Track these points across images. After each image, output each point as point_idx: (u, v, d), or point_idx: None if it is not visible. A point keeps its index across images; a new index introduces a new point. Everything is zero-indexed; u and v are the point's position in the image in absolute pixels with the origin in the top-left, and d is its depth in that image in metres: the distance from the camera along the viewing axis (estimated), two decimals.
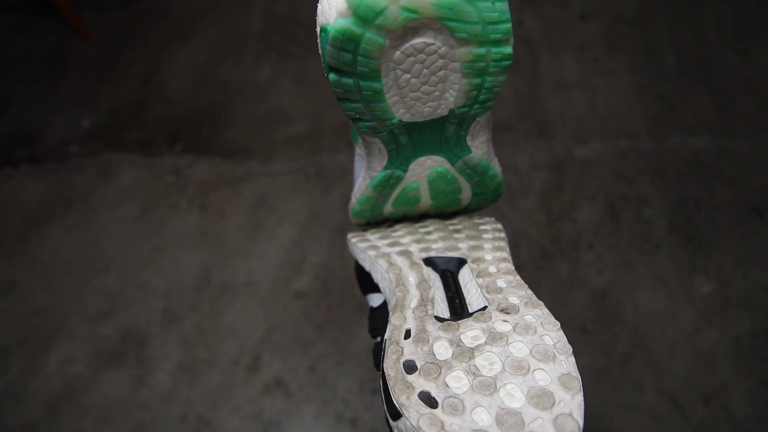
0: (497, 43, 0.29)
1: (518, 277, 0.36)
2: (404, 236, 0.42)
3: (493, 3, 0.28)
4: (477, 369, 0.28)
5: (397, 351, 0.29)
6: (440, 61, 0.30)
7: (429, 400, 0.27)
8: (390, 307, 0.35)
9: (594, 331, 0.90)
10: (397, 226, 0.45)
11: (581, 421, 0.25)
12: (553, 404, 0.25)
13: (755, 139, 1.12)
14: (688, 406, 0.83)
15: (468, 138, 0.38)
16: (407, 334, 0.30)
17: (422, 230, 0.43)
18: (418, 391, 0.27)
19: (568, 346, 0.29)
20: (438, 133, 0.36)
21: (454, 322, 0.31)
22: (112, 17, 1.47)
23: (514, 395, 0.26)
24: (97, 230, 1.09)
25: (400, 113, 0.33)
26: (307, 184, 1.11)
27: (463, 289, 0.36)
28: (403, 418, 0.26)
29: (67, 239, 1.08)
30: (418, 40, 0.29)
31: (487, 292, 0.34)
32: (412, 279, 0.36)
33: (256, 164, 1.15)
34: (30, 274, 1.03)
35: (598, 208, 1.04)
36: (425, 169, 0.39)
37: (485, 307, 0.32)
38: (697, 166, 1.09)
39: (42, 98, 1.32)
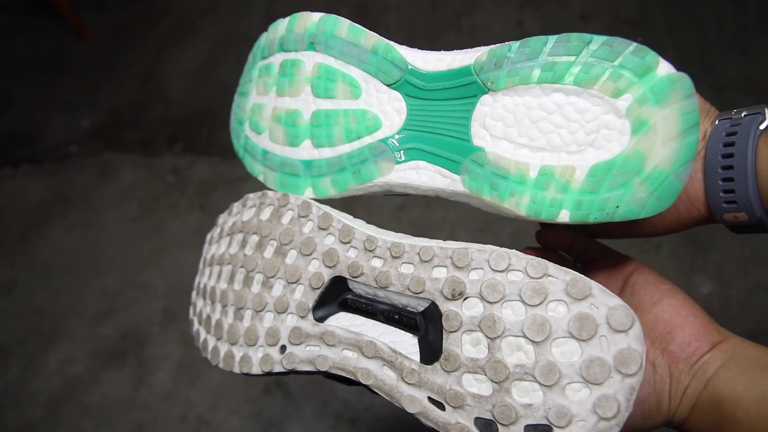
0: None
1: (402, 240, 0.27)
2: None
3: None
4: (520, 365, 0.23)
5: (458, 428, 0.24)
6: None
7: (539, 430, 0.23)
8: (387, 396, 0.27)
9: None
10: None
11: (619, 300, 0.23)
12: (596, 324, 0.22)
13: None
14: None
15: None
16: (439, 406, 0.25)
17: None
18: None
19: (537, 259, 0.24)
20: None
21: (449, 355, 0.25)
22: (112, 17, 1.47)
23: (569, 349, 0.23)
24: (97, 230, 1.09)
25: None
26: None
27: (381, 300, 0.28)
28: None
29: (67, 239, 1.08)
30: None
31: (412, 291, 0.26)
32: (368, 364, 0.27)
33: None
34: (30, 274, 1.03)
35: None
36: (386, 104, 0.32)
37: (435, 307, 0.25)
38: None
39: (42, 98, 1.32)
